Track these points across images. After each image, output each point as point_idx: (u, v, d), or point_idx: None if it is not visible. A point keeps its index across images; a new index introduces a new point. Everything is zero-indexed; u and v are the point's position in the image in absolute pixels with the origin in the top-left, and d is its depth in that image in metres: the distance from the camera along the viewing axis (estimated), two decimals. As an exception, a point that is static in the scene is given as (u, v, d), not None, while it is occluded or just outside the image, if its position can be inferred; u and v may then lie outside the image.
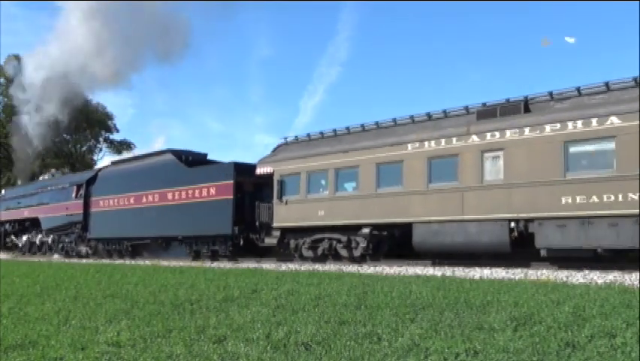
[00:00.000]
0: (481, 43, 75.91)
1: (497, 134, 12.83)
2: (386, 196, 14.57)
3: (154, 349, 4.57)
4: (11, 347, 4.84)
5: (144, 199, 22.19)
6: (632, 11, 61.18)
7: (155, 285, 9.81)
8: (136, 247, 23.15)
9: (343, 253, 15.66)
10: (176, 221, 20.42)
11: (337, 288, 8.44)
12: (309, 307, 6.62)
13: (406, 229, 14.22)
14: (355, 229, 15.28)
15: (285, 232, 17.08)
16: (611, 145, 11.31)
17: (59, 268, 16.31)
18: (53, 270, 15.00)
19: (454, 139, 13.49)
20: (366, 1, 72.99)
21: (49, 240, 28.38)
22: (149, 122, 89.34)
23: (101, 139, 52.63)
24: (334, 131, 16.81)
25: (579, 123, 11.69)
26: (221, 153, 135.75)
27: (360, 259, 15.30)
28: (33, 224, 30.08)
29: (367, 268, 13.07)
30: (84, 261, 22.16)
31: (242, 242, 18.46)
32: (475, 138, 13.17)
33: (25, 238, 30.87)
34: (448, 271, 11.78)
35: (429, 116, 14.75)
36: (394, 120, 15.44)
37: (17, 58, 43.99)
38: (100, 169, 27.08)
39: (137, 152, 50.13)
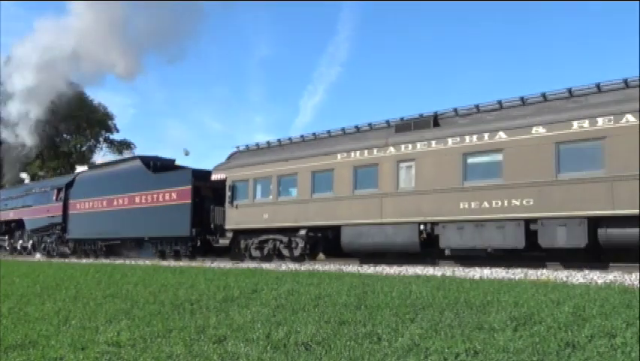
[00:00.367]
0: (481, 43, 76.59)
1: (410, 146, 14.34)
2: (320, 201, 16.10)
3: (154, 349, 4.56)
4: (11, 347, 4.82)
5: (115, 202, 23.75)
6: (632, 11, 61.68)
7: (155, 285, 9.81)
8: (110, 247, 24.73)
9: (285, 252, 17.21)
10: (143, 223, 21.98)
11: (337, 288, 8.47)
12: (309, 307, 6.63)
13: (337, 230, 15.76)
14: (295, 230, 16.82)
15: (237, 233, 18.63)
16: (499, 157, 12.81)
17: (59, 268, 16.44)
18: (53, 270, 15.10)
19: (375, 150, 15.00)
20: (366, 1, 73.67)
21: (33, 240, 29.97)
22: (149, 122, 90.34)
23: (101, 139, 52.48)
24: (279, 141, 18.34)
25: (474, 138, 13.19)
26: (221, 153, 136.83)
27: (300, 259, 16.84)
28: (19, 225, 31.68)
29: (367, 268, 13.39)
30: (84, 261, 23.10)
31: (199, 243, 20.00)
32: (392, 149, 14.68)
33: (7, 239, 32.51)
34: (448, 271, 11.93)
35: (357, 128, 16.27)
36: (329, 132, 16.96)
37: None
38: (78, 173, 28.62)
39: (137, 152, 51.38)
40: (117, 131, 52.56)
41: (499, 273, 11.22)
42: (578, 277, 10.06)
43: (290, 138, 18.04)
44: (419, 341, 4.59)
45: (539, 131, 12.20)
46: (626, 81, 11.71)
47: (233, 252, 19.12)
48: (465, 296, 7.19)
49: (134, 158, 24.54)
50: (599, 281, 9.33)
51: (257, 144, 19.09)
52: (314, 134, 17.39)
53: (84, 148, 50.85)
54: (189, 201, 20.00)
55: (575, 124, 11.72)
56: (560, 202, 11.74)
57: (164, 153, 47.94)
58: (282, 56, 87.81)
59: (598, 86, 12.09)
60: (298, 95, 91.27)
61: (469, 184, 13.18)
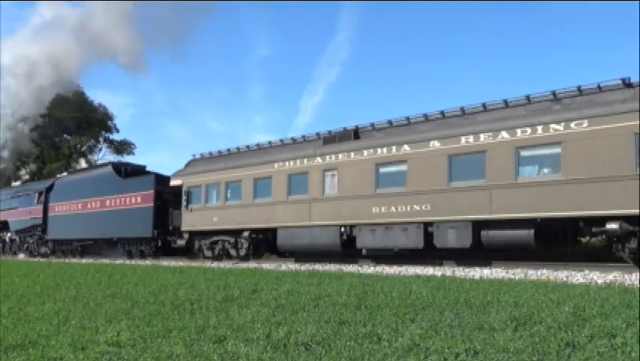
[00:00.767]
0: (481, 43, 76.64)
1: (334, 156, 15.99)
2: (260, 206, 17.77)
3: (154, 349, 4.57)
4: (11, 347, 4.83)
5: (89, 205, 25.51)
6: (632, 11, 61.77)
7: (155, 285, 9.85)
8: (85, 247, 26.48)
9: (233, 252, 18.88)
10: (112, 225, 23.72)
11: (337, 288, 8.50)
12: (309, 307, 6.65)
13: (274, 232, 17.41)
14: (240, 232, 18.49)
15: (192, 234, 20.32)
16: (404, 167, 14.43)
17: (59, 268, 16.66)
18: (53, 270, 15.30)
19: (306, 160, 16.66)
20: (366, 1, 73.96)
21: (17, 241, 31.79)
22: (149, 122, 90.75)
23: (101, 139, 52.52)
24: (228, 150, 20.03)
25: (385, 150, 14.82)
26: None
27: (245, 258, 18.50)
28: (5, 226, 33.48)
29: (367, 268, 13.65)
30: (84, 261, 23.91)
31: (160, 243, 21.71)
32: (319, 159, 16.33)
33: None
34: (448, 271, 12.01)
35: (293, 140, 17.94)
36: (270, 142, 18.65)
37: None
38: (57, 178, 30.40)
39: (137, 152, 52.49)
40: (117, 131, 52.59)
41: (499, 273, 11.29)
42: (578, 277, 10.09)
43: (238, 148, 19.72)
44: (419, 341, 4.60)
45: (436, 145, 13.82)
46: (506, 102, 13.33)
47: (191, 252, 20.81)
48: (465, 296, 7.20)
49: (106, 164, 26.31)
50: (599, 281, 9.37)
51: (210, 153, 20.78)
52: (258, 144, 19.07)
53: (84, 148, 51.06)
54: (152, 205, 21.72)
55: (463, 139, 13.33)
56: (451, 208, 13.35)
57: (164, 153, 49.05)
58: (282, 56, 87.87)
59: (484, 105, 13.70)
60: (298, 95, 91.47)
61: (380, 191, 14.80)
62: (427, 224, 13.86)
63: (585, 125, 11.55)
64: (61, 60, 39.68)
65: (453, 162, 13.51)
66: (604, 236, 11.75)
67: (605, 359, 4.00)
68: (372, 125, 15.93)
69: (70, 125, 47.75)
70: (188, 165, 21.42)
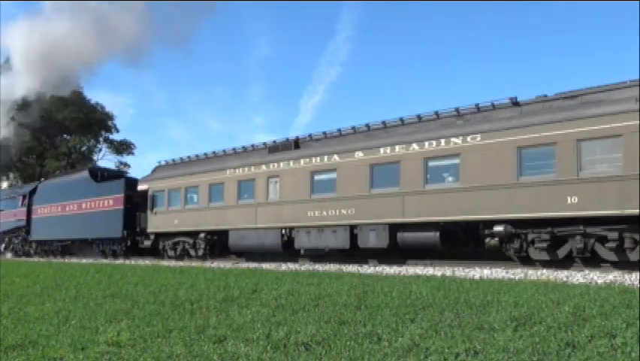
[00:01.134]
0: (481, 43, 77.63)
1: (276, 164, 17.48)
2: (214, 209, 19.27)
3: (154, 349, 4.58)
4: (11, 347, 4.83)
5: (68, 208, 27.09)
6: (632, 11, 62.60)
7: (155, 285, 9.87)
8: (65, 247, 28.06)
9: (192, 252, 20.40)
10: (88, 226, 25.29)
11: (337, 288, 8.52)
12: (309, 307, 6.66)
13: (227, 234, 18.91)
14: (197, 234, 20.00)
15: (157, 235, 21.84)
16: (334, 175, 15.91)
17: (59, 268, 16.82)
18: (53, 270, 15.43)
19: (253, 167, 18.15)
20: (366, 1, 74.74)
21: (5, 241, 33.44)
22: (149, 122, 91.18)
23: (101, 139, 52.76)
24: (189, 157, 21.56)
25: (319, 159, 16.30)
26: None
27: (203, 257, 20.01)
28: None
29: (367, 268, 13.88)
30: (84, 261, 24.85)
31: (129, 243, 23.26)
32: (264, 167, 17.82)
33: None
34: (448, 271, 12.09)
35: (244, 148, 19.43)
36: (224, 151, 20.16)
37: None
38: (40, 181, 32.02)
39: (137, 152, 53.14)
40: (117, 131, 52.84)
41: (499, 273, 11.37)
42: (578, 277, 10.13)
43: (197, 155, 21.24)
44: (419, 341, 4.61)
45: (360, 155, 15.29)
46: (419, 116, 14.80)
47: (157, 252, 22.34)
48: (465, 296, 7.21)
49: (84, 169, 27.89)
50: (599, 281, 9.43)
51: (173, 160, 22.32)
52: (214, 152, 20.59)
53: (84, 148, 51.66)
54: (122, 207, 23.26)
55: (382, 150, 14.80)
56: (372, 212, 14.82)
57: (164, 153, 49.76)
58: (282, 56, 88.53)
59: (402, 119, 15.18)
60: (298, 94, 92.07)
61: (315, 197, 16.28)
62: (352, 227, 15.33)
63: (479, 139, 13.01)
64: (61, 58, 40.47)
65: (374, 170, 14.97)
66: (496, 238, 13.20)
67: (605, 359, 4.00)
68: (310, 135, 17.41)
69: (71, 125, 48.18)
70: (154, 170, 22.94)
